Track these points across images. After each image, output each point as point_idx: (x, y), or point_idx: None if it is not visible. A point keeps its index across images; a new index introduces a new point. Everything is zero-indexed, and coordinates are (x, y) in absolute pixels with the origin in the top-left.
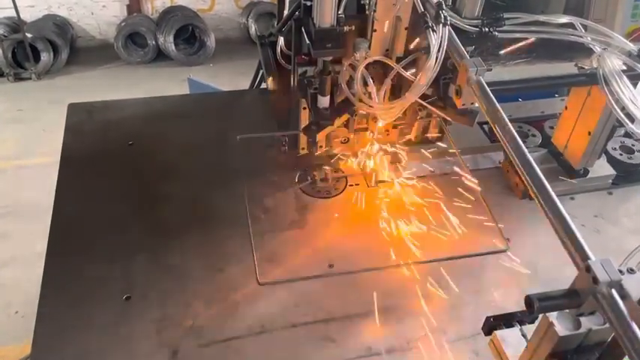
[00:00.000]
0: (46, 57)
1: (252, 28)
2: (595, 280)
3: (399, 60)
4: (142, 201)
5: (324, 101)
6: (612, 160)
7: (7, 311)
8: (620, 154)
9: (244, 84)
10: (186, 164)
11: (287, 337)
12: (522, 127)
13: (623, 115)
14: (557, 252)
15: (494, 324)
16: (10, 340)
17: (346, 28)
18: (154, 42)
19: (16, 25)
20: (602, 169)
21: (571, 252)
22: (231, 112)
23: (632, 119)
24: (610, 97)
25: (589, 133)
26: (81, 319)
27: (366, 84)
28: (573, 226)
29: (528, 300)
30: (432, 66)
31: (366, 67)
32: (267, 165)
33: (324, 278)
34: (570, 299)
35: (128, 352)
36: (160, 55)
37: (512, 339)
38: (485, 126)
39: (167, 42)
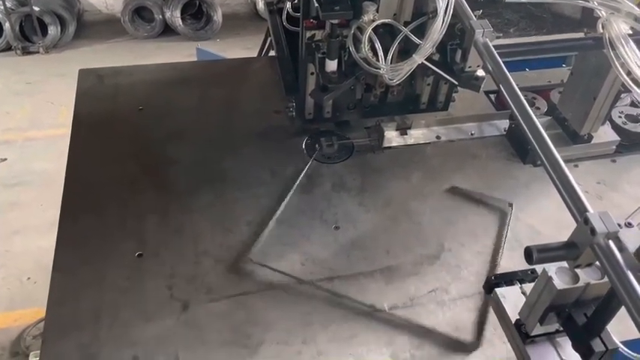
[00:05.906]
0: (53, 30)
1: (259, 4)
2: (593, 231)
3: (407, 24)
4: (153, 163)
5: (331, 65)
6: (617, 129)
7: (20, 278)
8: (625, 123)
9: None
10: (196, 129)
11: (293, 293)
12: (528, 95)
13: (629, 80)
14: (560, 217)
15: (495, 282)
16: (23, 305)
17: None
18: (160, 16)
19: None
20: (606, 135)
21: (570, 205)
22: (239, 78)
23: (638, 84)
24: (616, 62)
25: (594, 99)
26: (94, 276)
27: (373, 47)
28: (572, 180)
29: (528, 251)
30: (438, 27)
31: (374, 30)
32: (274, 130)
33: (330, 239)
34: (568, 250)
35: (140, 306)
36: (167, 30)
37: (512, 296)
38: (491, 95)
39: (174, 16)
